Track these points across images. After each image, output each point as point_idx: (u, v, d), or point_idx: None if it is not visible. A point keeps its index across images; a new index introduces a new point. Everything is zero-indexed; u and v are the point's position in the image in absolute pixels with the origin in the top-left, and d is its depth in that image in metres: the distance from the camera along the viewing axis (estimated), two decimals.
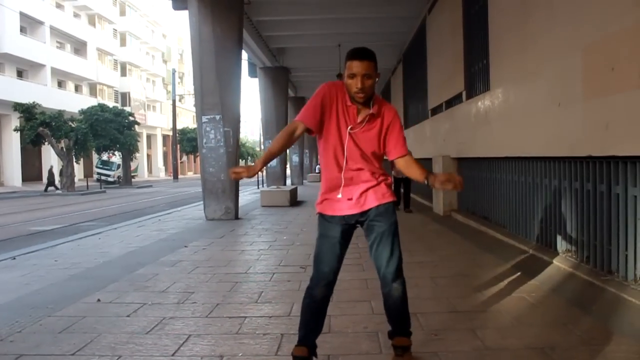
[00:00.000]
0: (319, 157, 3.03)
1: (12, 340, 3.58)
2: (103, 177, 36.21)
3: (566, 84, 5.58)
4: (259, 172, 2.89)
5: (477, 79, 9.40)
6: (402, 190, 12.02)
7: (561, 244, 5.99)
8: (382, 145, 2.89)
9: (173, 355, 3.26)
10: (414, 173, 2.93)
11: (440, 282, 5.06)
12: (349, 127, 2.82)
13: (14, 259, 6.76)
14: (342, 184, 2.88)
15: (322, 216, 2.95)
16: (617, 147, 4.62)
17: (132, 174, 38.06)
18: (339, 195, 2.89)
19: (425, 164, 11.93)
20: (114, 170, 38.15)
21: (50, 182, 28.51)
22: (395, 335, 3.01)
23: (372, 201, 2.88)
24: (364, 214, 2.89)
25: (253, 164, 2.83)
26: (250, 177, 2.78)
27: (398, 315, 2.99)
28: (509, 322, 3.83)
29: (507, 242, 7.16)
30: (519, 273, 5.33)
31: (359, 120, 2.83)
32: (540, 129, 6.33)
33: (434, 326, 3.71)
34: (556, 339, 3.38)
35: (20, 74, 35.63)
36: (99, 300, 4.58)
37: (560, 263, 5.61)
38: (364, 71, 2.71)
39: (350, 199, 2.88)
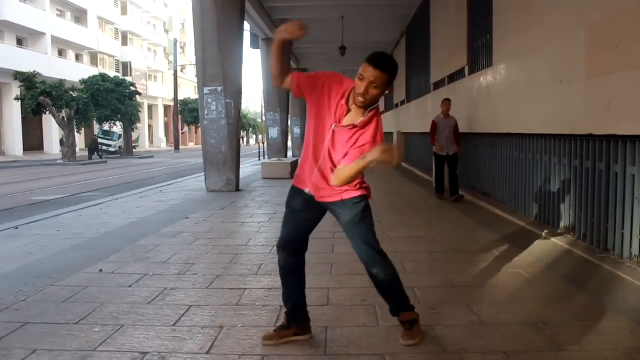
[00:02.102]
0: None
1: (17, 308, 3.65)
2: (104, 147, 36.20)
3: (569, 61, 5.56)
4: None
5: (480, 54, 9.35)
6: (446, 172, 9.42)
7: (559, 221, 6.04)
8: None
9: (174, 325, 3.33)
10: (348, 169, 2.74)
11: (438, 256, 5.12)
12: (333, 125, 2.78)
13: (17, 228, 6.83)
14: (314, 171, 2.88)
15: (292, 186, 3.07)
16: (618, 126, 4.64)
17: (134, 145, 38.02)
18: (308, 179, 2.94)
19: (426, 138, 11.89)
20: (115, 141, 38.11)
21: (92, 149, 31.14)
22: (400, 312, 3.06)
23: (330, 197, 2.90)
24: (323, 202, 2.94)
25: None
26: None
27: (390, 296, 3.07)
28: (505, 297, 3.89)
29: (506, 218, 7.21)
30: (516, 249, 5.38)
31: (343, 124, 2.76)
32: (542, 106, 6.33)
33: (430, 300, 3.77)
34: (550, 315, 3.44)
35: (20, 42, 35.38)
36: (101, 270, 4.65)
37: (558, 240, 5.66)
38: (373, 78, 2.63)
39: (314, 185, 2.91)
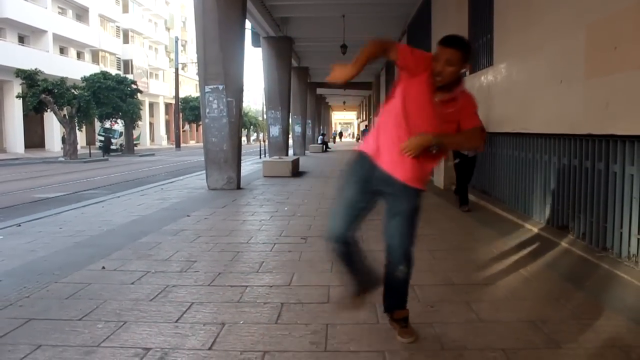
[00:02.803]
0: (384, 110, 3.00)
1: (21, 305, 3.69)
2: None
3: (569, 61, 5.59)
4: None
5: (480, 53, 9.37)
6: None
7: (558, 220, 6.07)
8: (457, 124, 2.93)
9: (176, 321, 3.37)
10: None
11: (438, 255, 5.16)
12: (435, 99, 2.84)
13: (19, 225, 6.87)
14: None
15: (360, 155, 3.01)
16: (617, 126, 4.67)
17: (135, 142, 38.05)
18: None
19: None
20: (116, 138, 38.13)
21: (106, 147, 33.13)
22: (395, 309, 3.12)
23: (402, 174, 2.90)
24: (389, 181, 2.90)
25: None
26: (346, 77, 2.81)
27: (397, 294, 3.12)
28: (504, 295, 3.93)
29: (505, 217, 7.24)
30: (515, 248, 5.42)
31: (437, 99, 2.85)
32: (542, 106, 6.36)
33: (430, 298, 3.81)
34: (548, 313, 3.48)
35: (21, 40, 35.41)
36: (103, 267, 4.69)
37: (557, 239, 5.70)
38: (447, 56, 2.76)
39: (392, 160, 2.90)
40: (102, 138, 36.95)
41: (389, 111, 2.93)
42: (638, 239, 4.46)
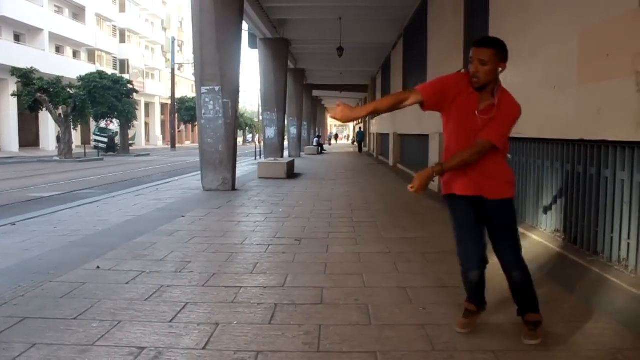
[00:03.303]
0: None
1: (15, 303, 3.71)
2: (100, 145, 36.16)
3: (562, 67, 5.64)
4: (354, 119, 3.07)
5: None
6: None
7: (551, 224, 6.12)
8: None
9: (171, 321, 3.40)
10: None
11: (431, 257, 5.20)
12: (476, 111, 2.93)
13: (14, 224, 6.88)
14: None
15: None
16: (608, 131, 4.72)
17: (130, 142, 38.01)
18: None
19: (423, 140, 12.05)
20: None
21: (110, 146, 34.35)
22: (527, 312, 3.18)
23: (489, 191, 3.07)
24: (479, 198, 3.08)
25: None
26: (346, 119, 2.94)
27: (522, 297, 3.21)
28: (495, 298, 3.95)
29: None
30: None
31: (480, 108, 2.92)
32: (536, 111, 6.40)
33: (422, 300, 3.85)
34: None
35: (17, 38, 35.35)
36: (98, 267, 4.71)
37: (549, 243, 5.75)
38: (479, 56, 2.83)
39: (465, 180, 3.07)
40: (98, 138, 36.92)
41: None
42: (628, 243, 4.50)
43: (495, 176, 3.05)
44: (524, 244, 5.73)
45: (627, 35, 4.34)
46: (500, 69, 2.90)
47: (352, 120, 2.98)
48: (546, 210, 6.26)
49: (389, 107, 3.04)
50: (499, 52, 2.87)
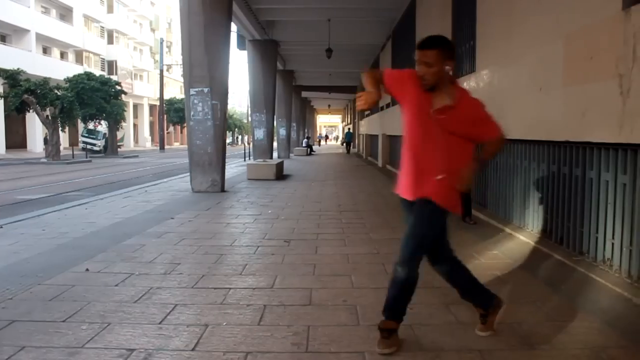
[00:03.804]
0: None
1: (3, 306, 3.70)
2: (89, 147, 35.98)
3: (548, 70, 5.72)
4: None
5: (463, 59, 9.50)
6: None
7: (538, 225, 6.20)
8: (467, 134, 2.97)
9: (160, 323, 3.41)
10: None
11: None
12: (430, 111, 2.92)
13: (1, 227, 6.83)
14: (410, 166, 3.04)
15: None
16: (592, 133, 4.79)
17: (118, 144, 37.84)
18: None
19: None
20: (99, 140, 37.86)
21: (106, 147, 35.69)
22: (385, 318, 3.11)
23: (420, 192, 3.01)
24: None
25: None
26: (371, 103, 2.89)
27: (392, 300, 3.11)
28: None
29: (486, 221, 7.36)
30: (495, 252, 5.53)
31: (435, 107, 2.91)
32: (522, 113, 6.48)
33: (410, 300, 3.88)
34: (524, 315, 3.58)
35: (3, 39, 35.05)
36: (87, 269, 4.71)
37: (536, 243, 5.82)
38: (423, 59, 2.84)
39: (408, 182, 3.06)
40: (86, 139, 36.74)
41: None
42: (612, 243, 4.58)
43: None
44: (511, 244, 5.83)
45: (610, 38, 4.42)
46: (447, 67, 2.87)
47: (378, 98, 2.92)
48: (533, 211, 6.33)
49: (376, 75, 3.04)
50: (443, 51, 2.85)
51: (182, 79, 12.96)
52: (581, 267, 4.76)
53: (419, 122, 2.96)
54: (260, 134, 21.49)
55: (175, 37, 63.75)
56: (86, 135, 37.43)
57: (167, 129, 54.78)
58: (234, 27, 17.08)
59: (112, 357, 2.89)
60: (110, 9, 50.85)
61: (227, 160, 12.07)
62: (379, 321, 3.10)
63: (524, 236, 6.16)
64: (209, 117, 10.91)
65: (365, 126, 30.20)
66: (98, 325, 3.35)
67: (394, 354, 2.96)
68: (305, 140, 37.42)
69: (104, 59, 49.52)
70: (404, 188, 3.07)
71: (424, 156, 2.97)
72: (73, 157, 28.36)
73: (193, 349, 3.01)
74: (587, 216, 5.03)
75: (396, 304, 3.07)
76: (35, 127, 36.08)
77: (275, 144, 25.49)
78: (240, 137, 75.40)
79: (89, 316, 3.52)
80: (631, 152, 4.34)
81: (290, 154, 29.21)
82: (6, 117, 32.42)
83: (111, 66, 50.17)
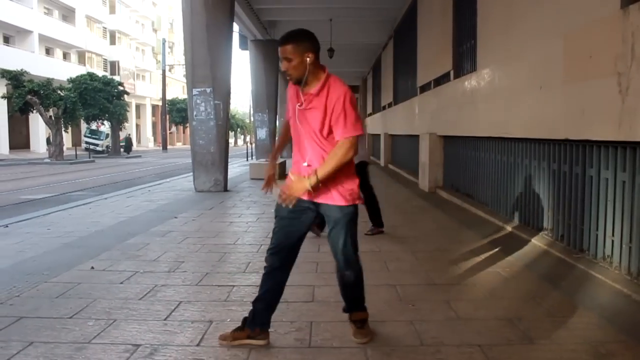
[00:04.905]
0: None
1: (11, 303, 3.76)
2: (92, 147, 36.09)
3: (548, 68, 5.75)
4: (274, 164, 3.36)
5: (465, 58, 9.54)
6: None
7: (538, 223, 6.23)
8: (327, 126, 2.86)
9: (165, 319, 3.46)
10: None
11: (420, 256, 5.29)
12: (297, 105, 2.93)
13: (7, 226, 6.90)
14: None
15: None
16: (592, 131, 4.83)
17: (121, 144, 37.95)
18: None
19: (413, 140, 12.20)
20: (102, 140, 37.98)
21: (128, 147, 36.68)
22: (353, 311, 3.19)
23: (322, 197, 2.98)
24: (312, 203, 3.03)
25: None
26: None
27: (351, 296, 3.19)
28: (482, 294, 4.07)
29: (487, 219, 7.40)
30: (496, 249, 5.57)
31: (302, 100, 2.91)
32: (523, 111, 6.52)
33: (411, 297, 3.94)
34: (524, 311, 3.62)
35: (6, 40, 35.14)
36: (92, 267, 4.76)
37: (537, 240, 5.85)
38: (283, 55, 2.86)
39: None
40: (89, 140, 36.85)
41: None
42: (612, 240, 4.62)
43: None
44: (512, 243, 5.87)
45: (608, 37, 4.45)
46: (308, 59, 2.83)
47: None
48: (533, 209, 6.36)
49: (283, 138, 3.26)
50: (300, 44, 2.82)
51: (184, 79, 13.03)
52: (581, 264, 4.80)
53: (293, 115, 2.99)
54: (262, 133, 21.53)
55: (178, 37, 63.88)
56: (89, 135, 37.54)
57: (169, 129, 54.92)
58: (235, 27, 17.15)
59: (118, 352, 2.94)
60: (112, 10, 50.95)
61: (229, 160, 12.12)
62: (348, 315, 3.21)
63: (524, 234, 6.19)
64: (212, 117, 10.96)
65: (368, 126, 30.22)
66: (104, 321, 3.40)
67: (394, 349, 3.01)
68: None
69: (106, 59, 49.66)
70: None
71: (299, 148, 3.00)
72: (76, 157, 28.46)
73: (198, 345, 3.07)
74: (587, 214, 5.07)
75: (357, 295, 3.18)
76: (38, 128, 36.20)
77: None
78: (243, 136, 75.44)
79: (95, 313, 3.57)
80: (630, 149, 4.38)
81: None
82: (10, 117, 32.50)
83: (114, 67, 50.29)
